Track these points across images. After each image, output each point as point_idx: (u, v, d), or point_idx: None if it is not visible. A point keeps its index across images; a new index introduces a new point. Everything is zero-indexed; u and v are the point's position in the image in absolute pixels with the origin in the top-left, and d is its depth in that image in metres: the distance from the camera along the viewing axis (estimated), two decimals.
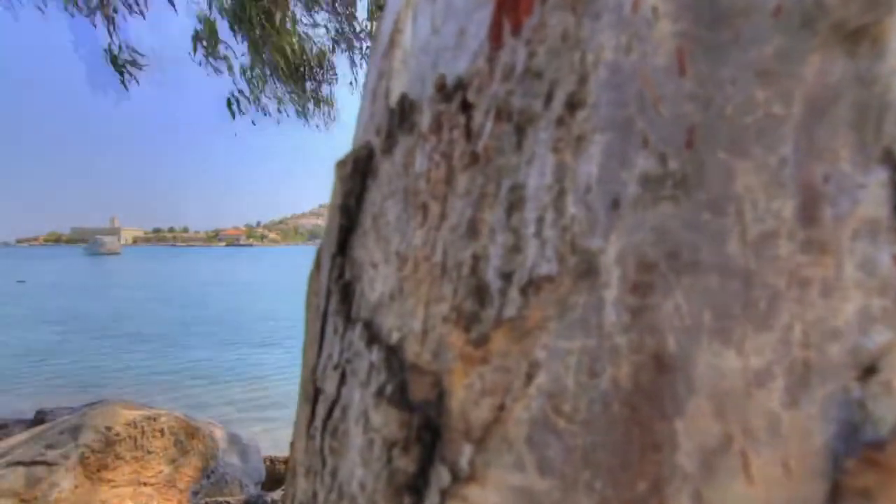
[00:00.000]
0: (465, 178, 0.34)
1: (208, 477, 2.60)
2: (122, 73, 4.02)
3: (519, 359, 0.32)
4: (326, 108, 5.11)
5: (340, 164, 0.44)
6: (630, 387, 0.31)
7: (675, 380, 0.31)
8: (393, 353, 0.36)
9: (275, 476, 3.50)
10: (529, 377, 0.32)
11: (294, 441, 0.53)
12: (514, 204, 0.32)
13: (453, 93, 0.35)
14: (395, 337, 0.36)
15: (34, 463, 2.05)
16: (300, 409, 0.50)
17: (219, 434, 2.89)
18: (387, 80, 0.43)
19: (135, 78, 4.15)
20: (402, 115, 0.39)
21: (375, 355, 0.36)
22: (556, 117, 0.31)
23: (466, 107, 0.34)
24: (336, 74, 5.06)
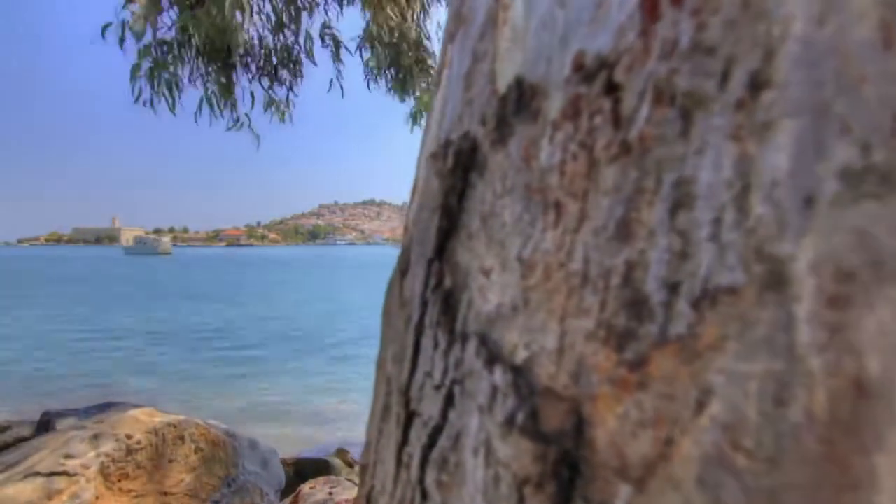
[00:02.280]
0: (614, 172, 0.29)
1: (229, 485, 2.57)
2: None
3: (688, 384, 0.27)
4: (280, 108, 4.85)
5: (435, 158, 0.40)
6: (825, 417, 0.26)
7: (875, 408, 0.26)
8: (519, 375, 0.31)
9: None
10: (701, 406, 0.27)
11: (369, 464, 0.49)
12: (681, 202, 0.28)
13: (596, 73, 0.30)
14: (521, 356, 0.32)
15: (53, 473, 2.02)
16: (380, 429, 0.46)
17: (239, 441, 2.86)
18: (489, 63, 0.39)
19: None
20: (518, 101, 0.35)
21: (500, 377, 0.32)
22: (736, 100, 0.27)
23: (613, 89, 0.30)
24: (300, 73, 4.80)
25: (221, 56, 3.90)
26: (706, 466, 0.27)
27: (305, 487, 4.55)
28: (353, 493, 4.71)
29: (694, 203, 0.27)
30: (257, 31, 4.35)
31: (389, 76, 5.21)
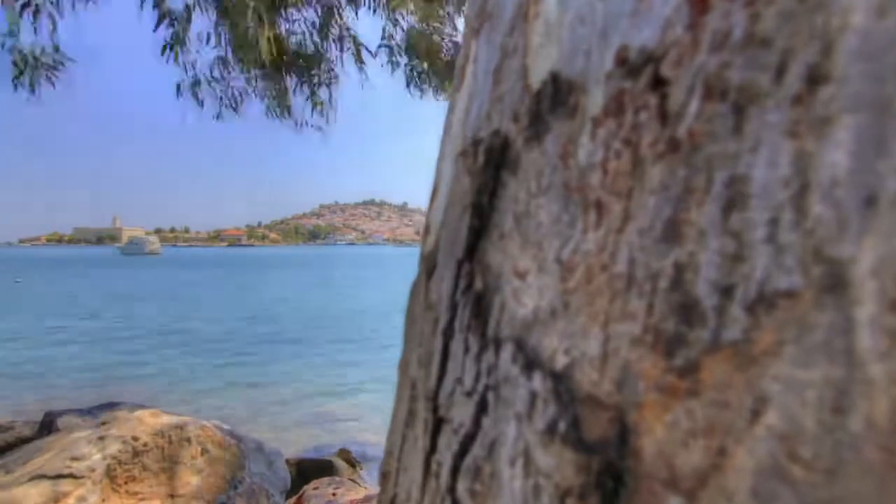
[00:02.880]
0: (661, 170, 0.28)
1: (236, 487, 2.56)
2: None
3: (742, 392, 0.26)
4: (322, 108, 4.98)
5: (465, 157, 0.39)
6: (887, 426, 0.25)
7: None
8: (560, 382, 0.30)
9: None
10: (756, 414, 0.26)
11: (392, 472, 0.48)
12: (734, 201, 0.26)
13: (641, 68, 0.29)
14: (561, 362, 0.31)
15: (60, 476, 2.02)
16: (404, 435, 0.45)
17: (245, 443, 2.85)
18: (520, 58, 0.37)
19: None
20: (553, 97, 0.34)
21: (539, 384, 0.31)
22: (792, 95, 0.26)
23: (659, 83, 0.29)
24: (335, 73, 4.93)
25: (276, 67, 4.05)
26: (761, 478, 0.26)
27: (309, 488, 4.55)
28: (356, 493, 4.71)
29: (748, 203, 0.26)
30: (296, 38, 4.48)
31: (431, 80, 5.31)
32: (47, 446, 2.37)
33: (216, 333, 15.21)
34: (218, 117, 4.51)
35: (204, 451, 2.46)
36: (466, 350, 0.36)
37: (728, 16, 0.27)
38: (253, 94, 4.43)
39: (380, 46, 5.23)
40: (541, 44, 0.36)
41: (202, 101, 4.32)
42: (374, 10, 4.97)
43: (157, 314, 18.82)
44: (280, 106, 4.65)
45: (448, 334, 0.38)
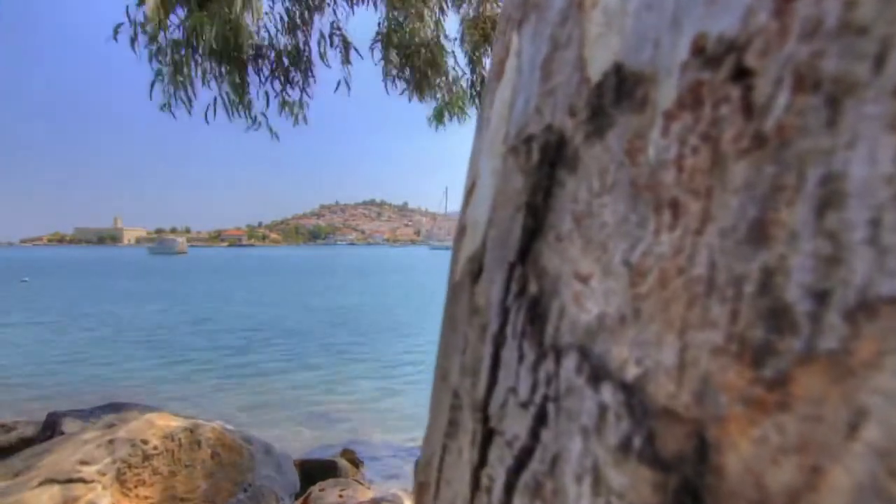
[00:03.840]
0: (745, 167, 0.27)
1: (245, 490, 2.55)
2: None
3: (838, 405, 0.25)
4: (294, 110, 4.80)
5: (516, 154, 0.37)
6: None
7: None
8: (631, 394, 0.29)
9: None
10: (854, 429, 0.25)
11: (430, 483, 0.46)
12: (829, 200, 0.25)
13: (721, 57, 0.27)
14: (632, 372, 0.29)
15: (69, 480, 2.01)
16: (444, 446, 0.44)
17: (254, 445, 2.84)
18: (576, 49, 0.36)
19: None
20: (617, 90, 0.32)
21: (609, 396, 0.29)
22: (893, 86, 0.24)
23: (742, 74, 0.27)
24: (312, 74, 4.77)
25: (233, 56, 3.88)
26: (859, 497, 0.24)
27: (315, 490, 4.54)
28: (363, 495, 4.70)
29: (845, 202, 0.24)
30: (268, 32, 4.32)
31: (406, 77, 5.22)
32: (55, 449, 2.37)
33: (217, 333, 15.25)
34: (164, 107, 4.24)
35: (214, 455, 2.46)
36: (521, 358, 0.35)
37: (819, 2, 0.25)
38: (210, 86, 4.16)
39: (371, 48, 5.17)
40: (600, 34, 0.34)
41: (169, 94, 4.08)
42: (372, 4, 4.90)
43: (166, 314, 18.88)
44: (237, 101, 4.41)
45: (499, 341, 0.37)
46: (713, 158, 0.27)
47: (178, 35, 3.72)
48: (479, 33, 5.51)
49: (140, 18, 3.54)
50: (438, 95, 5.40)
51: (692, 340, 0.27)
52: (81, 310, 20.12)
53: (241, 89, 4.20)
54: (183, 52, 3.85)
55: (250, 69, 4.31)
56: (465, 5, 5.57)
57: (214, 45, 3.54)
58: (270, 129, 4.56)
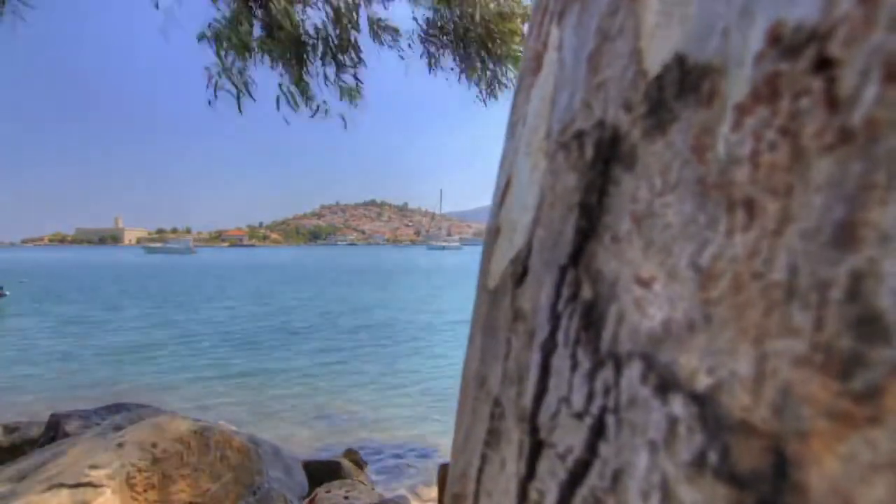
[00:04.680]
0: (829, 164, 0.25)
1: (254, 493, 2.55)
2: None
3: None
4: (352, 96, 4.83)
5: (567, 151, 0.36)
6: None
7: None
8: (704, 406, 0.27)
9: None
10: None
11: (468, 495, 0.45)
12: None
13: (802, 47, 0.26)
14: (703, 383, 0.27)
15: (78, 485, 2.00)
16: (484, 456, 0.42)
17: (262, 447, 2.83)
18: (630, 41, 0.34)
19: None
20: (680, 83, 0.30)
21: (680, 408, 0.27)
22: None
23: (824, 65, 0.25)
24: (362, 59, 4.80)
25: (291, 46, 3.93)
26: None
27: (321, 491, 4.53)
28: (369, 497, 4.69)
29: None
30: (313, 22, 4.36)
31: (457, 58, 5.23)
32: (62, 452, 2.36)
33: (219, 333, 15.28)
34: (239, 107, 4.31)
35: (223, 458, 2.45)
36: (574, 366, 0.33)
37: None
38: (276, 79, 4.22)
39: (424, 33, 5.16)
40: (659, 24, 0.32)
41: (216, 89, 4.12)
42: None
43: (168, 314, 18.93)
44: (301, 92, 4.49)
45: (548, 348, 0.35)
46: (793, 154, 0.26)
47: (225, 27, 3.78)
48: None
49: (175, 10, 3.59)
50: (487, 72, 5.37)
51: (771, 349, 0.26)
52: (83, 309, 20.20)
53: (301, 77, 4.28)
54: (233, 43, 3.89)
55: (306, 60, 4.39)
56: None
57: (277, 33, 3.58)
58: (343, 118, 4.69)
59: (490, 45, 4.88)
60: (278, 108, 4.29)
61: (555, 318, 0.35)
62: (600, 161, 0.34)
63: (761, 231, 0.27)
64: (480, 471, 0.43)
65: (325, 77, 4.64)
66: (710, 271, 0.28)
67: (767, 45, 0.27)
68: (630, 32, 0.35)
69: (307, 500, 4.17)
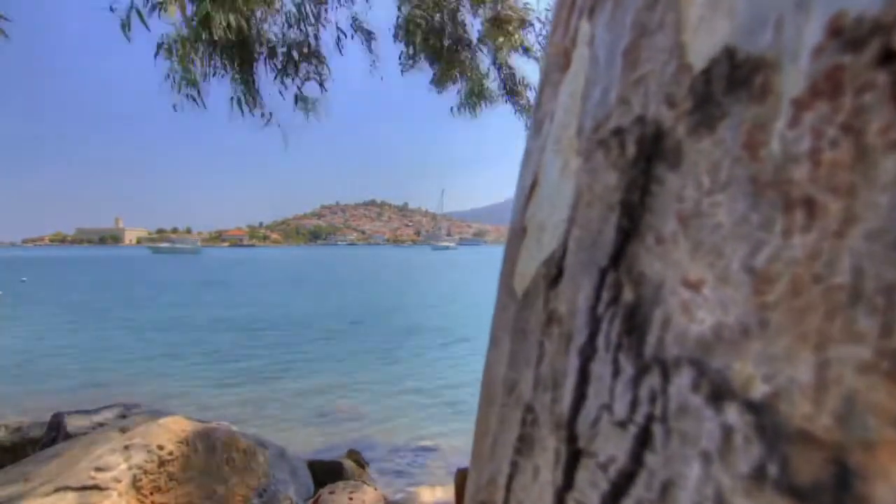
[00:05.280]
0: None
1: (260, 496, 2.54)
2: None
3: None
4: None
5: (607, 148, 0.35)
6: None
7: None
8: (762, 415, 0.26)
9: None
10: None
11: (496, 501, 0.43)
12: None
13: (865, 39, 0.25)
14: (759, 390, 0.26)
15: (84, 487, 1.99)
16: (514, 464, 0.41)
17: (269, 449, 2.82)
18: (671, 35, 0.33)
19: None
20: (730, 77, 0.29)
21: (735, 417, 0.26)
22: None
23: (890, 59, 0.24)
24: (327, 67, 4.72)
25: (243, 51, 3.86)
26: None
27: (325, 492, 4.53)
28: (374, 497, 4.69)
29: None
30: (278, 26, 4.29)
31: (429, 68, 5.20)
32: (66, 453, 2.35)
33: (220, 333, 15.30)
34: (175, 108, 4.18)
35: (229, 460, 2.44)
36: (616, 372, 0.32)
37: None
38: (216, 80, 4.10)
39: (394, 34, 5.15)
40: (704, 16, 0.31)
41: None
42: None
43: (168, 313, 18.95)
44: (248, 97, 4.36)
45: (587, 353, 0.34)
46: (857, 152, 0.25)
47: (185, 30, 3.70)
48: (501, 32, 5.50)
49: (143, 8, 3.53)
50: (463, 83, 5.36)
51: (833, 356, 0.25)
52: (85, 310, 20.23)
53: (251, 84, 4.18)
54: (186, 48, 3.83)
55: (261, 64, 4.29)
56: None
57: (227, 35, 3.50)
58: (280, 128, 4.54)
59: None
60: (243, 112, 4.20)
61: (594, 322, 0.34)
62: (642, 159, 0.33)
63: (822, 232, 0.25)
64: (511, 478, 0.42)
65: (283, 85, 4.53)
66: (765, 274, 0.27)
67: (826, 38, 0.26)
68: (671, 26, 0.33)
69: (311, 501, 4.17)
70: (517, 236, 0.50)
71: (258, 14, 3.78)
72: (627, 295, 0.32)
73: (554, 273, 0.39)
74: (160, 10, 3.49)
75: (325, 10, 4.50)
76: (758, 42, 0.29)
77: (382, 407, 8.51)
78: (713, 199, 0.29)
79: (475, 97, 5.49)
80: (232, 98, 4.10)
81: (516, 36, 5.31)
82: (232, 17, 3.42)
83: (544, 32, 5.65)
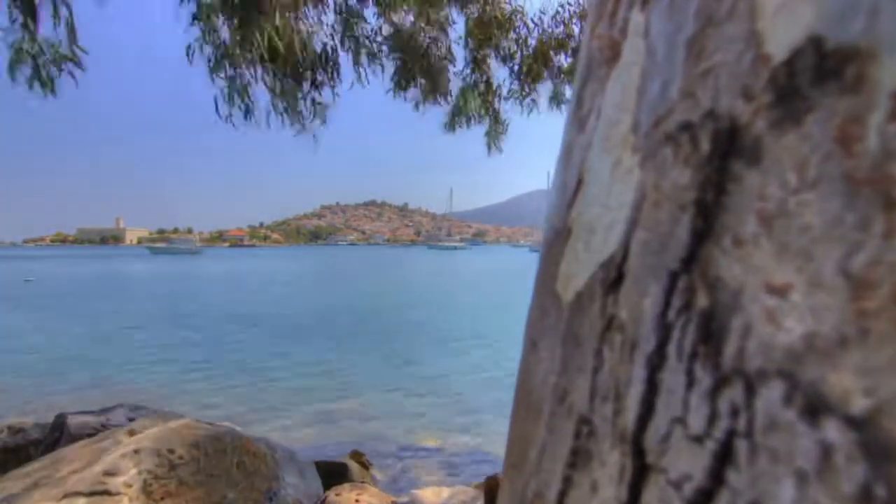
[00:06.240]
0: None
1: (270, 499, 2.53)
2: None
3: None
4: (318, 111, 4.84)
5: (677, 143, 0.33)
6: None
7: None
8: (864, 431, 0.24)
9: None
10: None
11: None
12: None
13: None
14: (859, 405, 0.25)
15: (94, 493, 1.98)
16: (567, 478, 0.39)
17: (278, 452, 2.81)
18: (745, 23, 0.31)
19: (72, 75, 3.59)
20: (817, 69, 0.27)
21: (836, 433, 0.25)
22: None
23: None
24: (339, 75, 4.81)
25: (287, 65, 3.96)
26: None
27: (331, 494, 4.52)
28: (381, 500, 4.68)
29: None
30: (301, 38, 4.37)
31: (420, 84, 5.28)
32: (75, 457, 2.34)
33: (221, 333, 15.32)
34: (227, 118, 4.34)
35: (240, 463, 2.42)
36: (691, 384, 0.30)
37: None
38: (269, 94, 4.28)
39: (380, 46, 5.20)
40: (783, 4, 0.30)
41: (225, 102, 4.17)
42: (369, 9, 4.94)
43: (170, 312, 18.98)
44: (290, 107, 4.53)
45: (655, 362, 0.32)
46: None
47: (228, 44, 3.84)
48: (483, 34, 5.55)
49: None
50: (449, 100, 5.48)
51: None
52: (86, 310, 20.29)
53: (295, 96, 4.32)
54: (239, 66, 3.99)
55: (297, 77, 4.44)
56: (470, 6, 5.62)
57: (265, 55, 3.61)
58: (314, 136, 4.73)
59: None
60: (269, 124, 4.34)
61: (663, 330, 0.32)
62: (717, 155, 0.31)
63: None
64: (563, 494, 0.40)
65: (313, 92, 4.65)
66: (864, 278, 0.25)
67: None
68: (744, 14, 0.32)
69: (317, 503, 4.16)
70: (559, 238, 0.48)
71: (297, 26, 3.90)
72: (701, 300, 0.31)
73: (613, 277, 0.37)
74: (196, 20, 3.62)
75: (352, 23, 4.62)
76: (849, 30, 0.27)
77: (385, 407, 8.51)
78: (801, 197, 0.27)
79: (459, 116, 5.60)
80: (268, 110, 4.27)
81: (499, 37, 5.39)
82: (274, 34, 3.53)
83: (536, 33, 5.67)
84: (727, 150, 0.31)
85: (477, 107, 5.74)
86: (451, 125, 5.80)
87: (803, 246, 0.27)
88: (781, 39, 0.29)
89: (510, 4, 5.76)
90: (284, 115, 4.49)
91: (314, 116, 4.67)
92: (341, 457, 5.84)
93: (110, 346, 13.27)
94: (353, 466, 5.55)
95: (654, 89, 0.38)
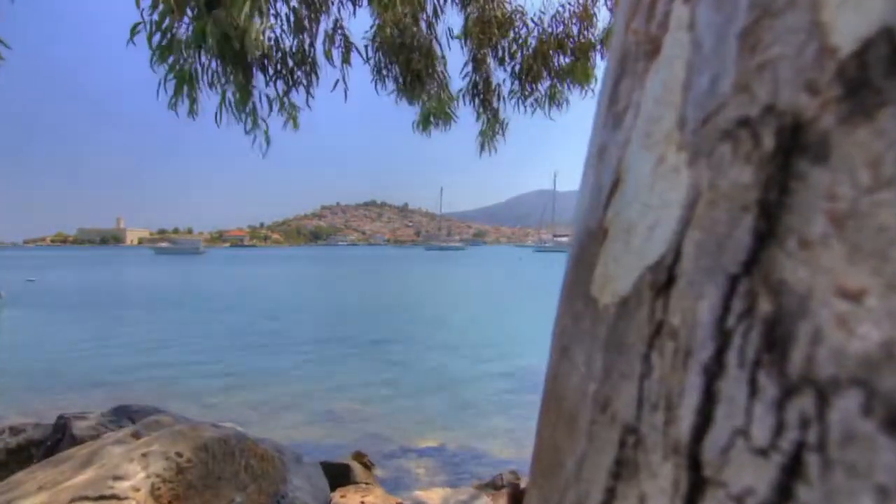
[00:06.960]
0: None
1: (278, 502, 2.51)
2: None
3: None
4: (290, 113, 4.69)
5: (737, 140, 0.32)
6: None
7: None
8: None
9: None
10: None
11: None
12: None
13: None
14: None
15: (102, 497, 1.97)
16: (610, 489, 0.38)
17: (285, 454, 2.80)
18: (807, 13, 0.30)
19: None
20: (891, 61, 0.26)
21: None
22: None
23: None
24: (317, 74, 4.67)
25: (239, 59, 3.83)
26: None
27: (336, 496, 4.51)
28: (384, 500, 4.67)
29: None
30: (273, 33, 4.26)
31: (399, 79, 5.24)
32: (81, 460, 2.33)
33: (222, 333, 15.33)
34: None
35: (248, 466, 2.41)
36: (754, 393, 0.29)
37: None
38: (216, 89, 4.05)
39: (375, 50, 5.16)
40: None
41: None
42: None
43: (171, 314, 18.99)
44: (241, 105, 4.31)
45: (713, 370, 0.31)
46: None
47: (184, 36, 3.69)
48: (482, 33, 5.53)
49: (153, 17, 3.51)
50: (425, 98, 5.45)
51: None
52: (87, 310, 20.31)
53: (245, 93, 4.16)
54: (188, 56, 3.83)
55: (256, 72, 4.28)
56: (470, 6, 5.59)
57: (217, 51, 3.49)
58: (266, 135, 4.51)
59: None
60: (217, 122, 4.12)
61: (722, 336, 0.31)
62: (780, 152, 0.29)
63: None
64: None
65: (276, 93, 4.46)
66: None
67: None
68: (804, 4, 0.30)
69: None
70: (594, 239, 0.47)
71: (256, 21, 3.74)
72: (764, 305, 0.29)
73: (663, 280, 0.35)
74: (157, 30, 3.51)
75: (319, 18, 4.49)
76: None
77: (387, 407, 8.51)
78: (875, 197, 0.26)
79: (436, 112, 5.56)
80: (220, 104, 4.06)
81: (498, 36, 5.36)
82: (222, 31, 3.39)
83: (536, 33, 5.65)
84: (791, 146, 0.29)
85: (449, 108, 5.72)
86: (423, 124, 5.77)
87: (878, 247, 0.26)
88: (849, 31, 0.28)
89: (510, 4, 5.74)
90: (232, 110, 4.24)
91: (279, 114, 4.51)
92: (344, 457, 5.84)
93: (111, 346, 13.28)
94: (356, 467, 5.55)
95: (703, 84, 0.36)
